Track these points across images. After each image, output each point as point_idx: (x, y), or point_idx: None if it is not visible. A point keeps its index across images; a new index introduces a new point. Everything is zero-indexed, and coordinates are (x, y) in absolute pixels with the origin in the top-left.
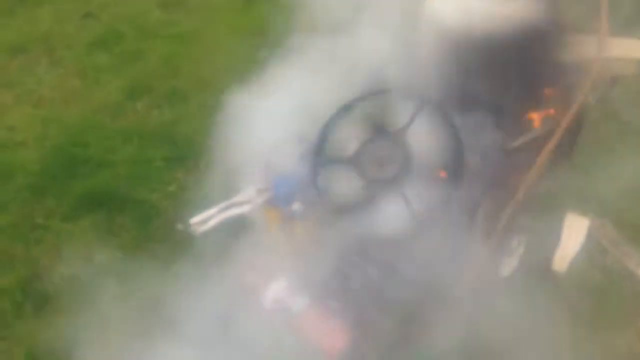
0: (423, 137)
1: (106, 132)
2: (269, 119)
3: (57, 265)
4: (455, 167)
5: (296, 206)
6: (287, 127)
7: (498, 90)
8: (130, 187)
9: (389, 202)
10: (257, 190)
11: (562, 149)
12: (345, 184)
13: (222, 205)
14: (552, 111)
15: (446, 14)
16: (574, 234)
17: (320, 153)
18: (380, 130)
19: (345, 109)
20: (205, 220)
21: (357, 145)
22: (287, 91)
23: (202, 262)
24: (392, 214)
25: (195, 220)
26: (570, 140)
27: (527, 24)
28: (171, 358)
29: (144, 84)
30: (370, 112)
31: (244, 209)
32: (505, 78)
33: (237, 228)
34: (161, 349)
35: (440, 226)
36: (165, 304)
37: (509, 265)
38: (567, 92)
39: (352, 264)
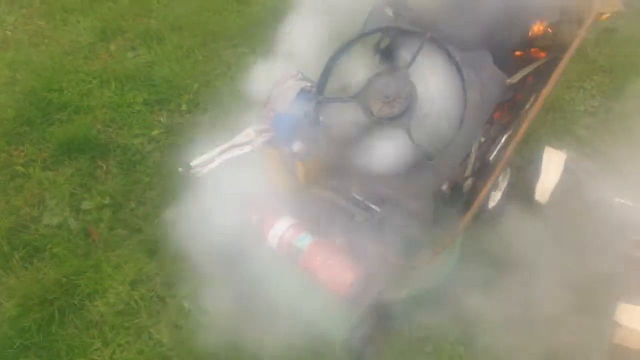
0: (426, 74)
1: (80, 75)
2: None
3: (43, 215)
4: (457, 103)
5: (297, 145)
6: (288, 66)
7: (490, 29)
8: (112, 132)
9: (393, 138)
10: (258, 131)
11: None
12: (349, 120)
13: (223, 146)
14: (537, 49)
15: None
16: (552, 166)
17: (325, 90)
18: (384, 67)
19: (349, 45)
20: (206, 162)
21: (363, 82)
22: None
23: (198, 205)
24: (395, 149)
25: (196, 162)
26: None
27: None
28: None
29: (116, 25)
30: (374, 50)
31: (245, 149)
32: (496, 16)
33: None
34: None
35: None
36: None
37: (494, 198)
38: (552, 31)
39: (354, 201)
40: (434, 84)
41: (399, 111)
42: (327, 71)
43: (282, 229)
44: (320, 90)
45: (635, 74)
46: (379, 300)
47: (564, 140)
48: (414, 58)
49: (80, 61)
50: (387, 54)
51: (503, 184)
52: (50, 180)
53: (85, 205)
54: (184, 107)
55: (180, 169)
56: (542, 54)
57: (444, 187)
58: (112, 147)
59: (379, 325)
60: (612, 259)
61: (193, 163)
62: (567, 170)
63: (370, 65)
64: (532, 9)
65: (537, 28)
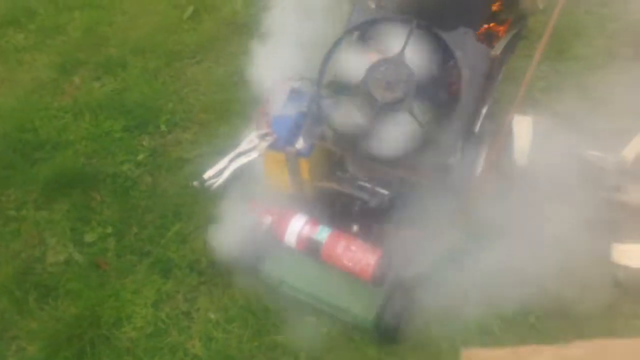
0: (419, 57)
1: (51, 111)
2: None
3: (46, 254)
4: (453, 80)
5: (299, 143)
6: (285, 67)
7: (461, 7)
8: (97, 162)
9: (398, 121)
10: (260, 135)
11: (507, 53)
12: (352, 111)
13: (231, 155)
14: (495, 24)
15: None
16: (523, 131)
17: (325, 85)
18: (378, 56)
19: (340, 40)
20: (218, 173)
21: (362, 73)
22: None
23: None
24: (402, 132)
25: (209, 174)
26: (514, 44)
27: None
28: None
29: (74, 58)
30: (365, 41)
31: (252, 155)
32: None
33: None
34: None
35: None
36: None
37: (480, 165)
38: (512, 3)
39: (363, 188)
40: (427, 65)
41: (402, 95)
42: (323, 67)
43: (299, 226)
44: (322, 85)
45: (573, 35)
46: (402, 278)
47: (526, 105)
48: (406, 43)
49: (47, 98)
50: (379, 44)
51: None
52: (46, 219)
53: (88, 237)
54: (163, 127)
55: (195, 183)
56: (501, 28)
57: (451, 160)
58: (102, 177)
59: (407, 302)
60: (596, 206)
61: (206, 175)
62: (536, 132)
63: (366, 56)
64: None
65: (496, 4)
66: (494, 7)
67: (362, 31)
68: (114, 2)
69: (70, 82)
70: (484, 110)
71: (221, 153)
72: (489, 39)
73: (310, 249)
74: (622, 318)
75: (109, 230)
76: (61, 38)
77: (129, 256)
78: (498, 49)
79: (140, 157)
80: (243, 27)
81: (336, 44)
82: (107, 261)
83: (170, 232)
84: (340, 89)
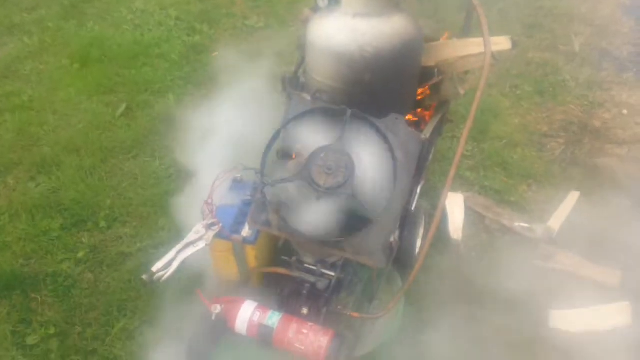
0: (356, 143)
1: None
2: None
3: None
4: (390, 164)
5: (245, 231)
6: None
7: (391, 96)
8: (36, 263)
9: (339, 205)
10: (207, 225)
11: (435, 135)
12: (295, 196)
13: (178, 246)
14: (422, 109)
15: (334, 36)
16: (456, 208)
17: (268, 173)
18: (318, 144)
19: (280, 132)
20: (166, 265)
21: (304, 160)
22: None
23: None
24: (343, 215)
25: (157, 267)
26: (440, 127)
27: (404, 38)
28: None
29: (6, 159)
30: (303, 131)
31: (200, 245)
32: (394, 84)
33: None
34: None
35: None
36: None
37: (418, 242)
38: (433, 91)
39: (309, 271)
40: (365, 150)
41: (342, 179)
42: (265, 158)
43: (249, 313)
44: (263, 175)
45: (493, 116)
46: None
47: (455, 183)
48: (342, 131)
49: None
50: (317, 133)
51: (421, 232)
52: None
53: (31, 340)
54: (102, 224)
55: (143, 276)
56: (427, 113)
57: (392, 239)
58: (41, 277)
59: None
60: (529, 274)
61: (154, 268)
62: (467, 208)
63: (306, 145)
64: (415, 77)
65: (421, 91)
66: (420, 94)
67: (300, 121)
68: (44, 103)
69: (5, 184)
70: (418, 190)
71: (163, 245)
72: (417, 123)
73: (262, 335)
74: None
75: (52, 331)
76: None
77: (74, 357)
78: (427, 132)
79: (80, 254)
80: (177, 122)
81: (276, 133)
82: None
83: (115, 329)
84: (283, 176)
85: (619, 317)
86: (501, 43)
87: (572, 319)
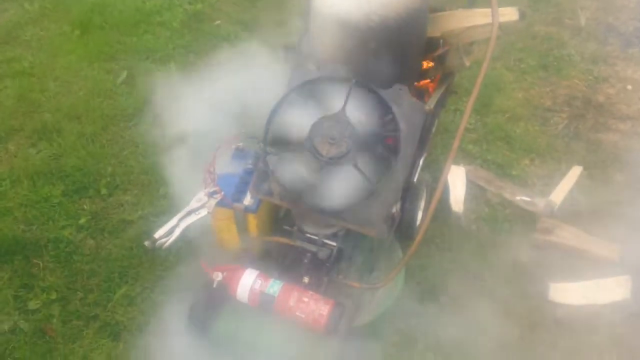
0: (360, 113)
1: None
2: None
3: None
4: (392, 134)
5: (247, 200)
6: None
7: (395, 66)
8: (37, 229)
9: (342, 176)
10: (208, 193)
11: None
12: (298, 166)
13: (180, 214)
14: (428, 81)
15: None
16: (457, 181)
17: (271, 143)
18: (321, 114)
19: (284, 100)
20: (168, 232)
21: (307, 130)
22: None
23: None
24: (346, 185)
25: (159, 234)
26: (445, 99)
27: (409, 7)
28: None
29: (7, 126)
30: (308, 100)
31: (201, 213)
32: (399, 54)
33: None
34: None
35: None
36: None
37: (419, 214)
38: (438, 62)
39: (311, 240)
40: (368, 120)
41: (345, 149)
42: (268, 125)
43: (250, 281)
44: (266, 144)
45: (496, 90)
46: (352, 328)
47: (458, 156)
48: (346, 100)
49: None
50: (321, 102)
51: (422, 204)
52: None
53: (32, 305)
54: (104, 191)
55: (146, 243)
56: (431, 84)
57: (393, 210)
58: (43, 243)
59: (358, 349)
60: (529, 248)
61: (157, 235)
62: (469, 181)
63: (309, 114)
64: (420, 47)
65: (426, 63)
66: (425, 65)
67: (304, 90)
68: (45, 70)
69: (5, 150)
70: (421, 162)
71: (164, 213)
72: (421, 94)
73: (263, 303)
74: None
75: (54, 296)
76: None
77: (76, 321)
78: (431, 103)
79: (82, 221)
80: (178, 90)
81: (280, 102)
82: (53, 328)
83: (117, 295)
84: (286, 145)
85: (618, 290)
86: (508, 14)
87: (572, 292)
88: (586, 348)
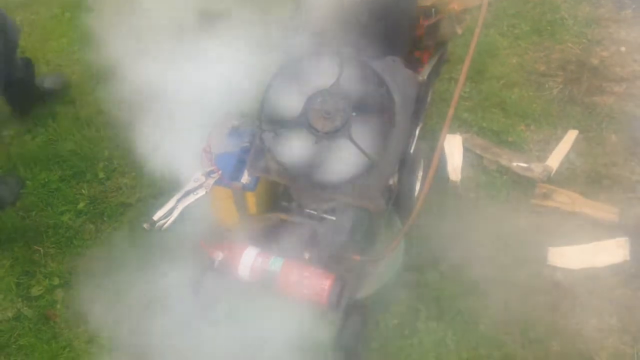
0: (353, 86)
1: None
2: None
3: None
4: (387, 106)
5: (244, 178)
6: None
7: (388, 37)
8: (36, 215)
9: (338, 150)
10: (206, 173)
11: (433, 77)
12: (294, 142)
13: (178, 195)
14: (419, 51)
15: None
16: (454, 149)
17: (266, 120)
18: (315, 89)
19: (276, 76)
20: (167, 213)
21: (301, 105)
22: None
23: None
24: (343, 158)
25: (158, 216)
26: (438, 68)
27: None
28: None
29: (0, 112)
30: (301, 75)
31: (200, 193)
32: (391, 25)
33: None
34: None
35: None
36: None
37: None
38: (433, 31)
39: (310, 216)
40: (362, 93)
41: (340, 123)
42: (263, 102)
43: (251, 259)
44: (261, 121)
45: (490, 57)
46: (354, 300)
47: (453, 124)
48: (340, 73)
49: None
50: (314, 77)
51: (420, 174)
52: None
53: (35, 291)
54: (101, 175)
55: (144, 225)
56: (424, 54)
57: (391, 182)
58: (42, 229)
59: (361, 322)
60: (527, 213)
61: (156, 217)
62: (465, 149)
63: (303, 89)
64: (412, 18)
65: (418, 32)
66: (417, 35)
67: (296, 65)
68: (36, 53)
69: (1, 137)
70: (417, 132)
71: (162, 195)
72: (415, 65)
73: (266, 280)
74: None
75: (56, 282)
76: None
77: (79, 305)
78: (425, 73)
79: (80, 205)
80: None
81: (273, 78)
82: (57, 313)
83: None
84: (281, 122)
85: (617, 252)
86: None
87: (570, 256)
88: (586, 310)
